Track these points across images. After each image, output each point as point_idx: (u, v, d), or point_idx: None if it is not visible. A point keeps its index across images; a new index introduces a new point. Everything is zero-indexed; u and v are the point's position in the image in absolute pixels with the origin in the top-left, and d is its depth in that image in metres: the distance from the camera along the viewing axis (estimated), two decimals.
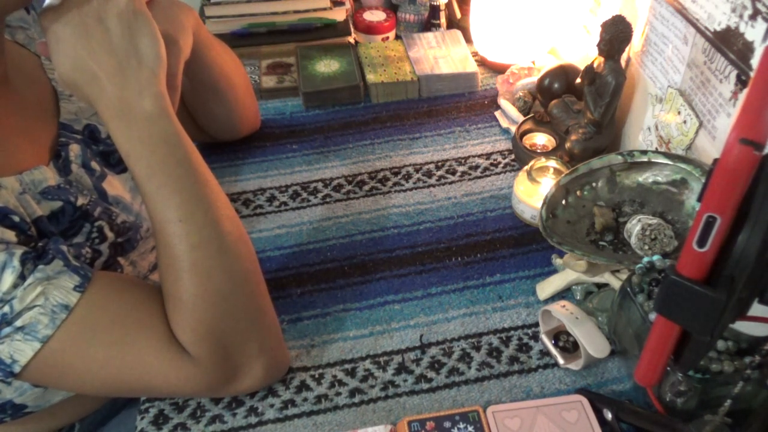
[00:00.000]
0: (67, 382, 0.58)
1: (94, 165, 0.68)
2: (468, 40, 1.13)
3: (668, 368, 0.55)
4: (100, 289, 0.55)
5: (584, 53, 1.01)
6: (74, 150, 0.66)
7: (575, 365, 0.65)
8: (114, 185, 0.70)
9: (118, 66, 0.54)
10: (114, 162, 0.71)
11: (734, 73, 0.63)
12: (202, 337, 0.57)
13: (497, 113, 1.01)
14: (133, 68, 0.54)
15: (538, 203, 0.76)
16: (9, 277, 0.50)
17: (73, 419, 0.76)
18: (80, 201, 0.63)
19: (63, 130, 0.66)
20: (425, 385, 0.66)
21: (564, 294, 0.73)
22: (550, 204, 0.75)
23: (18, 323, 0.51)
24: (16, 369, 0.53)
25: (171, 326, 0.57)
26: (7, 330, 0.51)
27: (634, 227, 0.70)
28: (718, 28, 0.65)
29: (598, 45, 0.81)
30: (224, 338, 0.58)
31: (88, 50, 0.53)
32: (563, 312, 0.65)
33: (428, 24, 1.20)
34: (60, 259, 0.54)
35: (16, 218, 0.54)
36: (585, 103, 0.85)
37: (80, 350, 0.54)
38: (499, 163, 0.92)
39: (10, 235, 0.53)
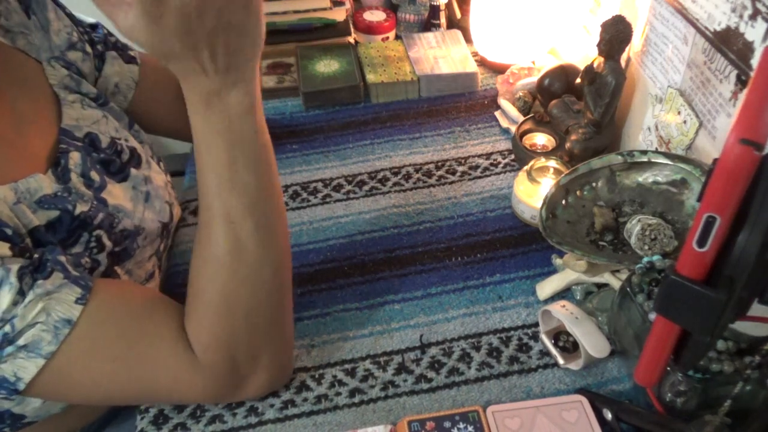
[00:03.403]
0: (73, 396, 0.57)
1: (94, 175, 0.66)
2: (468, 40, 1.14)
3: (668, 368, 0.55)
4: (102, 300, 0.54)
5: (584, 53, 1.01)
6: (74, 158, 0.64)
7: (575, 365, 0.65)
8: (114, 194, 0.68)
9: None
10: (115, 170, 0.70)
11: (734, 73, 0.63)
12: (220, 343, 0.56)
13: (497, 113, 1.01)
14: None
15: (538, 203, 0.76)
16: (7, 295, 0.49)
17: (74, 427, 0.75)
18: (79, 208, 0.62)
19: (63, 136, 0.65)
20: (425, 385, 0.66)
21: (564, 294, 0.73)
22: (550, 204, 0.75)
23: (20, 342, 0.50)
24: (21, 386, 0.52)
25: (188, 328, 0.56)
26: (9, 349, 0.50)
27: (634, 227, 0.70)
28: (718, 28, 0.65)
29: (598, 45, 0.81)
30: (239, 348, 0.57)
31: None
32: (563, 312, 0.65)
33: (428, 24, 1.20)
34: (59, 271, 0.53)
35: (9, 231, 0.53)
36: (585, 103, 0.85)
37: (86, 364, 0.54)
38: (499, 163, 0.92)
39: (4, 248, 0.51)
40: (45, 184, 0.60)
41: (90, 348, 0.53)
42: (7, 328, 0.50)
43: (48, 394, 0.56)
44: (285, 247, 0.59)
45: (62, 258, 0.54)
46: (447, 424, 0.59)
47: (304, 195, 0.89)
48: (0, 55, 0.63)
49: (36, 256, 0.54)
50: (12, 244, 0.52)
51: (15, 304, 0.50)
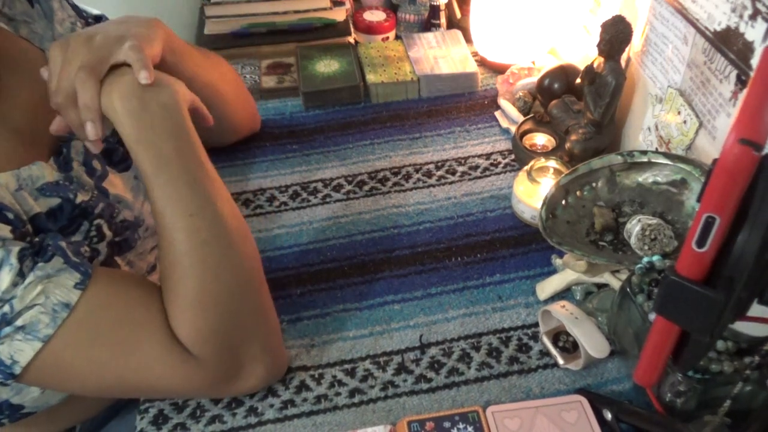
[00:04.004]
0: (69, 384, 0.57)
1: (96, 164, 0.67)
2: (468, 40, 1.13)
3: (668, 368, 0.55)
4: (101, 287, 0.55)
5: (584, 53, 1.01)
6: (76, 147, 0.65)
7: (575, 365, 0.65)
8: (115, 184, 0.69)
9: None
10: (116, 160, 0.71)
11: (734, 73, 0.63)
12: (207, 336, 0.56)
13: (497, 113, 1.01)
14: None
15: (538, 203, 0.76)
16: (7, 276, 0.50)
17: (74, 422, 0.75)
18: (80, 198, 0.63)
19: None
20: (425, 386, 0.66)
21: (564, 294, 0.73)
22: (550, 204, 0.75)
23: (18, 323, 0.51)
24: (17, 370, 0.52)
25: (172, 326, 0.56)
26: (7, 330, 0.51)
27: (633, 227, 0.70)
28: (718, 28, 0.65)
29: (598, 45, 0.81)
30: (228, 338, 0.58)
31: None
32: (563, 312, 0.65)
33: (428, 24, 1.20)
34: (60, 256, 0.53)
35: (11, 215, 0.54)
36: (585, 103, 0.85)
37: (82, 350, 0.54)
38: (499, 163, 0.92)
39: (5, 230, 0.52)
40: (47, 171, 0.60)
41: (86, 333, 0.54)
42: (6, 308, 0.50)
43: (43, 380, 0.56)
44: (245, 232, 0.61)
45: (63, 244, 0.55)
46: (447, 425, 0.59)
47: (304, 195, 0.89)
48: (3, 44, 0.63)
49: (37, 240, 0.54)
50: (13, 228, 0.53)
51: (15, 285, 0.50)
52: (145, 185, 0.57)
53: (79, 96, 0.55)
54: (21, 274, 0.51)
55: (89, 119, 0.55)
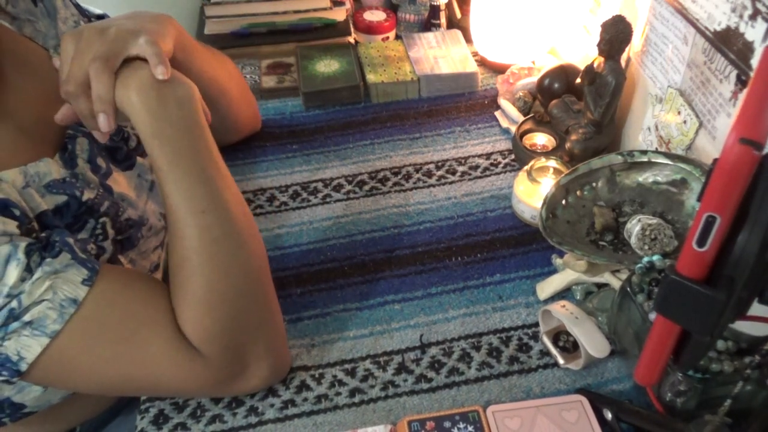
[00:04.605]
0: (73, 381, 0.57)
1: (100, 161, 0.67)
2: (468, 40, 1.14)
3: (668, 368, 0.55)
4: (108, 284, 0.55)
5: (584, 53, 1.01)
6: (81, 144, 0.65)
7: (575, 365, 0.65)
8: (119, 182, 0.69)
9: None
10: (120, 158, 0.71)
11: (734, 73, 0.63)
12: (214, 334, 0.57)
13: (497, 113, 1.01)
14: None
15: (538, 203, 0.76)
16: (14, 271, 0.50)
17: (74, 423, 0.75)
18: (86, 195, 0.62)
19: None
20: (425, 385, 0.66)
21: (564, 294, 0.73)
22: (550, 204, 0.75)
23: (26, 318, 0.51)
24: (23, 367, 0.52)
25: (179, 323, 0.56)
26: (14, 325, 0.50)
27: (634, 227, 0.70)
28: (718, 28, 0.65)
29: (598, 45, 0.81)
30: (235, 336, 0.58)
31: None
32: (563, 312, 0.65)
33: (428, 24, 1.20)
34: (67, 252, 0.53)
35: (17, 211, 0.54)
36: (585, 103, 0.85)
37: (88, 346, 0.54)
38: (499, 163, 0.92)
39: (12, 225, 0.52)
40: (53, 168, 0.60)
41: (93, 330, 0.54)
42: (14, 303, 0.50)
43: (48, 377, 0.56)
44: (255, 231, 0.61)
45: (70, 240, 0.55)
46: (447, 424, 0.59)
47: (304, 195, 0.89)
48: (7, 42, 0.63)
49: (44, 235, 0.54)
50: (19, 224, 0.53)
51: (22, 280, 0.50)
52: (158, 180, 0.57)
53: (93, 87, 0.55)
54: (29, 270, 0.50)
55: (102, 111, 0.55)
